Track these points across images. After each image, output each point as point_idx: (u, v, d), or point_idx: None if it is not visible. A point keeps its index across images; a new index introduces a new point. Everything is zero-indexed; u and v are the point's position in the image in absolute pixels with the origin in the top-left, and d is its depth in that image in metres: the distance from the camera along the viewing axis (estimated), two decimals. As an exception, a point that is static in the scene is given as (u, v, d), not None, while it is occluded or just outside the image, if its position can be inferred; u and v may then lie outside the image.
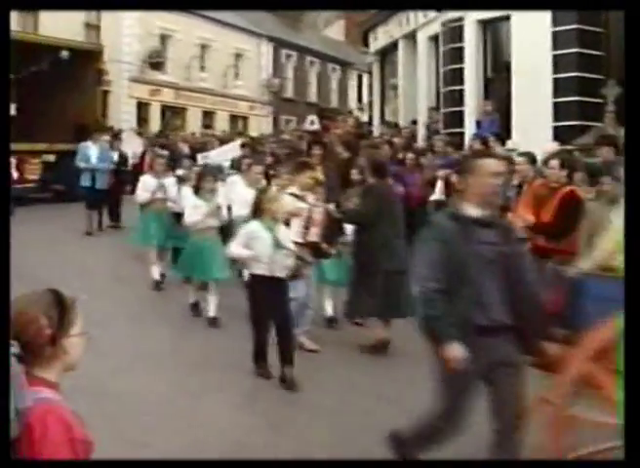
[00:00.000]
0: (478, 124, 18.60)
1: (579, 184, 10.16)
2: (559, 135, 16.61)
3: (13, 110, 23.68)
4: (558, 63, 17.03)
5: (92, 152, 18.44)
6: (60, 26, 28.91)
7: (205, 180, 11.42)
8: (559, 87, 17.00)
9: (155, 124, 39.47)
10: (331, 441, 7.06)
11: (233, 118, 45.96)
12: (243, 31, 45.20)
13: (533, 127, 16.69)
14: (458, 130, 19.30)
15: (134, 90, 39.18)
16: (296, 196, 9.94)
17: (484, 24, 19.46)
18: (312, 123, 31.63)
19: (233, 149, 18.53)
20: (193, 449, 6.62)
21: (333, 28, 57.66)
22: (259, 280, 8.64)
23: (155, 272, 13.14)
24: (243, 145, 18.25)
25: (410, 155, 14.87)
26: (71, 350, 2.99)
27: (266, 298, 8.51)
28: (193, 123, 41.34)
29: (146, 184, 13.47)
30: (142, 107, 40.15)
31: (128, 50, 38.36)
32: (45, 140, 22.12)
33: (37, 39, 25.48)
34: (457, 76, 19.93)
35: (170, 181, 13.55)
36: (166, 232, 13.27)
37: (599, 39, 16.85)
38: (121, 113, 37.63)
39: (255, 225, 8.76)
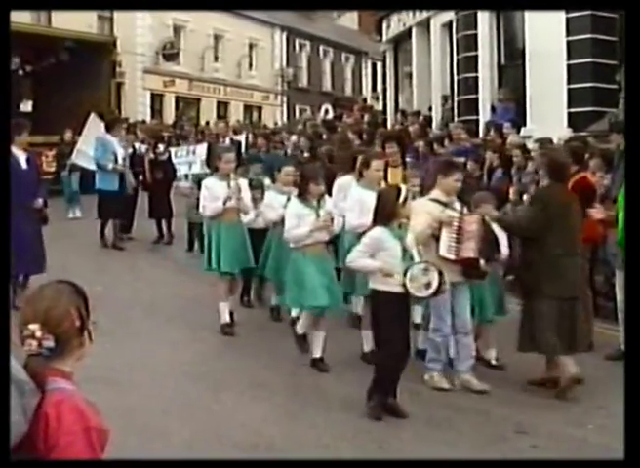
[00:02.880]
0: (493, 109, 18.56)
1: (594, 170, 10.18)
2: (573, 121, 16.54)
3: (29, 107, 23.83)
4: (572, 50, 16.92)
5: (117, 148, 15.71)
6: (74, 19, 28.96)
7: (313, 183, 8.72)
8: (573, 73, 16.90)
9: (169, 115, 39.57)
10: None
11: (247, 108, 46.05)
12: (256, 21, 45.20)
13: (547, 113, 16.61)
14: (472, 117, 19.24)
15: (148, 81, 39.30)
16: (441, 202, 8.22)
17: (497, 11, 19.36)
18: (327, 112, 31.72)
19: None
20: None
21: (346, 17, 57.57)
22: (388, 298, 7.20)
23: (225, 312, 10.11)
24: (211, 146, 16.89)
25: (421, 143, 14.79)
26: (90, 339, 3.02)
27: (399, 319, 7.22)
28: (207, 113, 41.38)
29: (215, 190, 10.08)
30: (156, 98, 40.26)
31: (141, 41, 38.48)
32: (60, 133, 22.17)
33: (51, 32, 25.61)
34: (471, 64, 19.84)
35: (243, 185, 10.34)
36: (242, 254, 10.27)
37: (613, 25, 16.73)
38: (135, 105, 37.74)
39: (381, 232, 7.33)
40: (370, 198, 8.25)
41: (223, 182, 10.05)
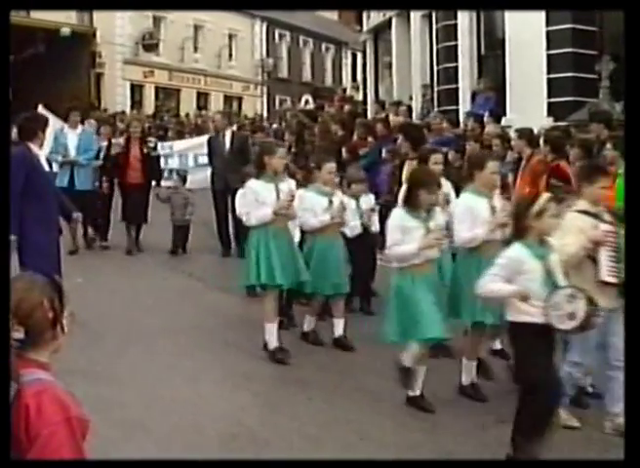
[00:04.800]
0: (473, 97, 18.59)
1: (574, 160, 10.21)
2: (554, 111, 16.60)
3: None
4: (552, 40, 16.98)
5: (69, 140, 14.12)
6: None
7: (424, 190, 7.16)
8: (553, 63, 16.97)
9: (149, 106, 39.47)
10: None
11: (227, 99, 45.86)
12: (236, 12, 44.94)
13: (527, 103, 16.67)
14: (452, 107, 19.27)
15: (127, 72, 39.11)
16: (591, 215, 6.82)
17: (478, 10, 19.39)
18: (307, 102, 31.71)
19: (200, 144, 16.05)
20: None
21: (326, 7, 57.52)
22: (530, 330, 5.94)
23: (274, 334, 8.63)
24: (210, 141, 14.84)
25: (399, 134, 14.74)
26: (63, 331, 3.00)
27: (546, 354, 6.02)
28: (187, 104, 41.26)
29: (260, 193, 8.43)
30: (136, 89, 40.10)
31: (121, 32, 38.27)
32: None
33: (30, 22, 25.44)
34: (451, 54, 19.89)
35: (288, 187, 8.63)
36: (291, 267, 8.53)
37: (593, 15, 16.80)
38: (115, 95, 37.59)
39: (519, 251, 6.08)
40: (483, 206, 7.41)
41: (271, 185, 8.44)
